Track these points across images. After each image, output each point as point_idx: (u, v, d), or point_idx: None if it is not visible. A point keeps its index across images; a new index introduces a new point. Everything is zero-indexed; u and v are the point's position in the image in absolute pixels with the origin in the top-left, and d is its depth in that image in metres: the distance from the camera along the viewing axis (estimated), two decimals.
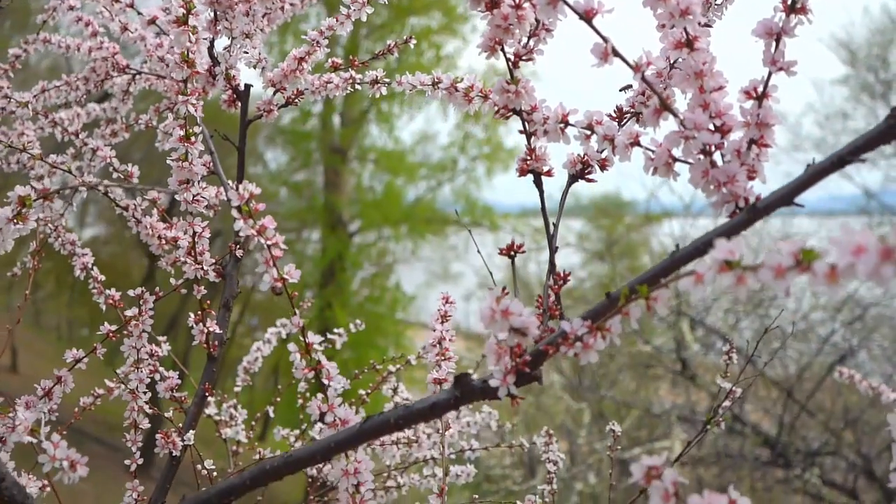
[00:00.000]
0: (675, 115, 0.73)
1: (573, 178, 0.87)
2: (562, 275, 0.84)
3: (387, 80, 1.19)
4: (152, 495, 1.11)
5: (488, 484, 6.79)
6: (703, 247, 0.63)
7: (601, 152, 0.84)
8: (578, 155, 0.86)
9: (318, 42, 1.20)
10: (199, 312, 1.16)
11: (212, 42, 1.20)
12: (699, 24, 0.74)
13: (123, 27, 1.36)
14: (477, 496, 1.53)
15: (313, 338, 0.83)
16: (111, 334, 1.13)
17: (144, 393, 1.14)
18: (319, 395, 0.83)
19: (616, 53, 0.72)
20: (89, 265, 1.31)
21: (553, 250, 0.85)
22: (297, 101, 1.24)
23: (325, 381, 0.82)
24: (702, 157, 0.71)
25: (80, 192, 1.26)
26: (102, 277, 1.31)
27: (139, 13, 1.30)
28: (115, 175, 1.31)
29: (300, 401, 1.55)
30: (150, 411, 1.14)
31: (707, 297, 7.90)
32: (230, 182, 1.30)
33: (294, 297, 0.83)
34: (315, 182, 11.91)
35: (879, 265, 0.43)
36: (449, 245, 12.24)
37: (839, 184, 9.11)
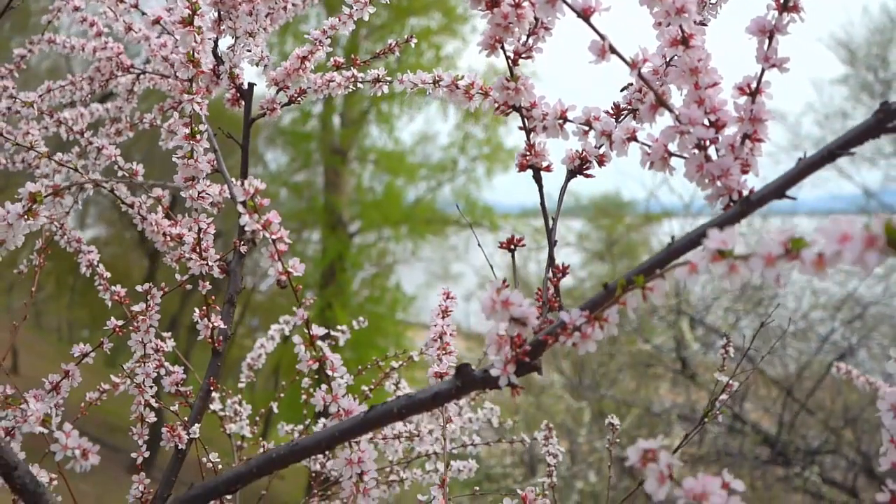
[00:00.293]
0: (671, 111, 0.75)
1: (572, 174, 0.89)
2: (560, 268, 0.86)
3: (388, 78, 1.21)
4: (158, 488, 1.13)
5: (489, 483, 6.80)
6: (697, 238, 0.65)
7: (599, 148, 0.86)
8: (577, 151, 0.88)
9: (320, 41, 1.22)
10: (204, 308, 1.18)
11: (216, 42, 1.22)
12: (694, 22, 0.76)
13: (128, 27, 1.38)
14: (478, 488, 1.54)
15: (317, 330, 0.85)
16: (118, 329, 1.15)
17: (150, 387, 1.16)
18: (323, 386, 0.85)
19: (613, 50, 0.74)
20: (94, 262, 1.33)
21: (552, 244, 0.87)
22: (299, 99, 1.26)
23: (330, 372, 0.84)
24: (697, 151, 0.73)
25: (86, 189, 1.28)
26: (108, 274, 1.33)
27: (143, 13, 1.32)
28: (119, 173, 1.33)
29: (304, 396, 1.56)
30: (156, 405, 1.15)
31: (707, 296, 7.93)
32: (233, 180, 1.32)
33: (298, 290, 0.85)
34: (315, 183, 11.94)
35: (864, 252, 0.45)
36: (449, 245, 12.27)
37: (839, 183, 9.13)
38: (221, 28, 1.19)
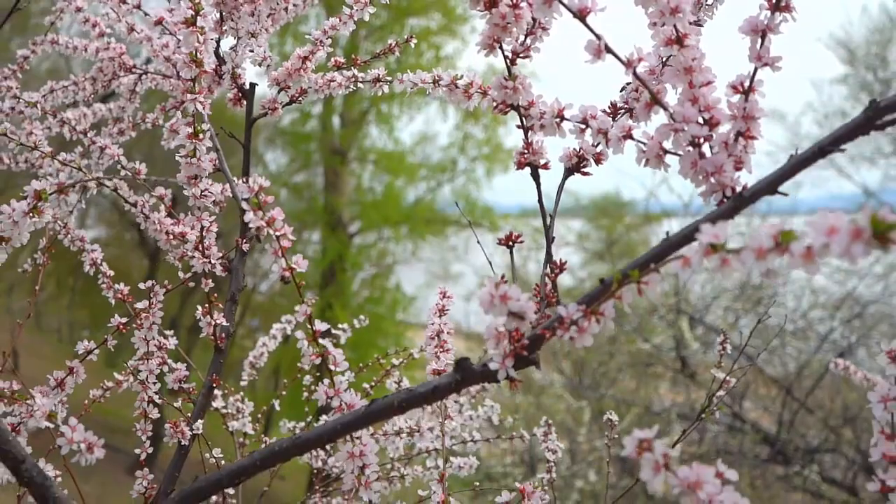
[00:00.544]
0: (666, 109, 0.77)
1: (569, 172, 0.91)
2: (558, 264, 0.88)
3: (388, 78, 1.22)
4: (161, 484, 1.14)
5: (489, 483, 6.81)
6: (691, 233, 0.66)
7: (596, 146, 0.88)
8: (574, 149, 0.89)
9: (321, 41, 1.23)
10: (207, 305, 1.19)
11: (217, 42, 1.24)
12: (689, 22, 0.77)
13: (130, 28, 1.40)
14: (478, 483, 1.56)
15: (320, 325, 0.86)
16: (121, 326, 1.16)
17: (154, 384, 1.17)
18: (326, 381, 0.86)
19: (609, 50, 0.75)
20: (98, 261, 1.34)
21: (550, 241, 0.89)
22: (300, 99, 1.27)
23: (332, 367, 0.86)
24: (691, 148, 0.74)
25: (90, 189, 1.30)
26: (111, 273, 1.34)
27: (146, 14, 1.33)
28: (123, 173, 1.35)
29: (305, 394, 1.58)
30: (159, 401, 1.17)
31: (706, 296, 7.94)
32: (235, 179, 1.33)
33: (301, 285, 0.86)
34: (315, 183, 11.95)
35: (850, 244, 0.46)
36: (449, 246, 12.28)
37: (839, 183, 9.15)
38: (223, 28, 1.21)
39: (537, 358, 0.78)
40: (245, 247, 1.20)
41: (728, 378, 1.37)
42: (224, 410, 1.55)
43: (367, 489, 0.84)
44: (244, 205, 0.83)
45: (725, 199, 0.72)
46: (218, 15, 1.18)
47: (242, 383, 1.72)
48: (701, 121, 0.75)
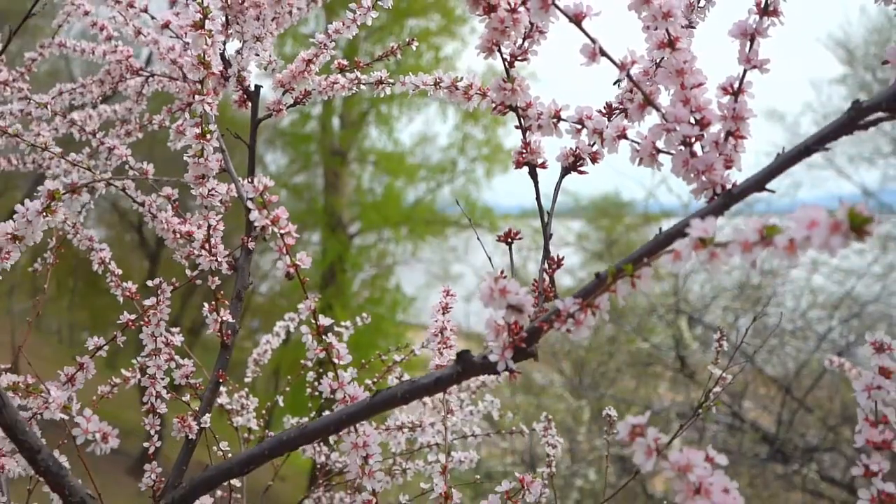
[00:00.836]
0: (658, 110, 0.80)
1: (566, 171, 0.94)
2: (555, 259, 0.91)
3: (391, 80, 1.25)
4: (169, 477, 1.17)
5: (490, 482, 6.84)
6: (682, 229, 0.69)
7: (592, 145, 0.91)
8: (570, 148, 0.92)
9: (325, 44, 1.26)
10: (213, 303, 1.22)
11: (223, 45, 1.26)
12: (681, 25, 0.80)
13: (137, 31, 1.42)
14: (478, 477, 1.58)
15: (324, 321, 0.89)
16: (130, 323, 1.19)
17: (162, 379, 1.20)
18: (330, 374, 0.89)
19: (603, 53, 0.78)
20: (107, 260, 1.37)
21: (547, 237, 0.92)
22: (304, 101, 1.30)
23: (336, 361, 0.89)
24: (683, 147, 0.77)
25: (98, 189, 1.33)
26: (119, 271, 1.37)
27: (153, 17, 1.36)
28: (130, 173, 1.37)
29: (308, 390, 1.61)
30: (167, 396, 1.20)
31: (705, 295, 7.97)
32: (240, 178, 1.36)
33: (305, 282, 0.89)
34: (315, 184, 11.98)
35: (829, 237, 0.49)
36: (449, 246, 12.31)
37: (838, 183, 9.17)
38: (229, 32, 1.24)
39: (536, 350, 0.81)
40: (251, 245, 1.23)
41: (725, 375, 1.40)
42: (228, 407, 1.57)
43: (371, 478, 0.87)
44: (250, 204, 0.86)
45: (716, 196, 0.75)
46: (224, 19, 1.21)
47: (247, 380, 1.75)
48: (692, 121, 0.78)
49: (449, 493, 1.05)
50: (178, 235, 1.28)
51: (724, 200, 0.71)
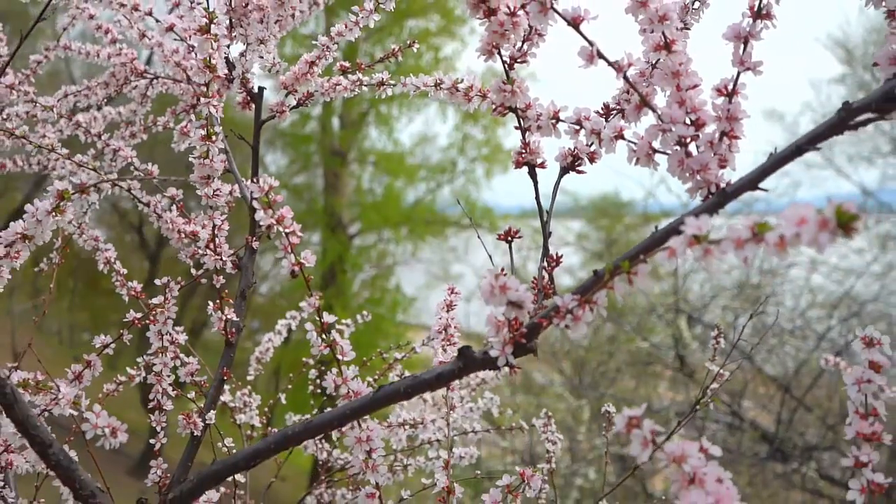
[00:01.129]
0: (654, 111, 0.82)
1: (565, 170, 0.96)
2: (554, 257, 0.92)
3: (392, 82, 1.27)
4: (175, 472, 1.19)
5: (490, 482, 6.85)
6: (677, 227, 0.71)
7: (590, 145, 0.93)
8: (569, 148, 0.94)
9: (328, 47, 1.28)
10: (218, 301, 1.24)
11: (227, 48, 1.28)
12: (676, 28, 0.82)
13: (142, 34, 1.44)
14: (479, 472, 1.61)
15: (329, 317, 0.91)
16: (136, 321, 1.21)
17: (168, 377, 1.22)
18: (334, 370, 0.91)
19: (601, 56, 0.80)
20: (112, 259, 1.39)
21: (546, 236, 0.94)
22: (307, 102, 1.32)
23: (340, 357, 0.91)
24: (678, 147, 0.79)
25: (103, 190, 1.34)
26: (124, 271, 1.39)
27: (157, 21, 1.38)
28: (135, 174, 1.39)
29: (311, 387, 1.63)
30: (173, 393, 1.21)
31: (705, 295, 7.99)
32: (243, 179, 1.38)
33: (310, 279, 0.91)
34: (315, 185, 11.99)
35: (817, 233, 0.51)
36: (449, 247, 12.32)
37: (837, 182, 9.19)
38: (233, 35, 1.25)
39: (535, 346, 0.83)
40: (255, 245, 1.25)
41: (722, 372, 1.42)
42: (232, 404, 1.59)
43: (374, 472, 0.89)
44: (256, 203, 0.87)
45: (710, 195, 0.77)
46: (227, 22, 1.23)
47: (249, 378, 1.77)
48: (688, 122, 0.80)
49: (451, 487, 1.07)
50: (183, 235, 1.30)
51: (718, 199, 0.73)
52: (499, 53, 0.91)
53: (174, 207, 1.34)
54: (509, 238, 0.98)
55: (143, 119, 1.65)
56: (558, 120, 0.93)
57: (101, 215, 12.33)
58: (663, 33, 0.80)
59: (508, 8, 0.84)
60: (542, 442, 1.55)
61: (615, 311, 7.87)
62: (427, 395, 1.69)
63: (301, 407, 1.80)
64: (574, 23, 0.79)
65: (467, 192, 11.48)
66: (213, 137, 1.06)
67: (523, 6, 0.83)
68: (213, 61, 1.04)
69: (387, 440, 1.59)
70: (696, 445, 0.65)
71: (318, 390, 1.75)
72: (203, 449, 1.30)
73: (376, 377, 1.69)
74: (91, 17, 1.53)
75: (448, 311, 1.23)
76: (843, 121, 0.69)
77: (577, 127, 0.92)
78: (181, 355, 1.28)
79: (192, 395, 1.26)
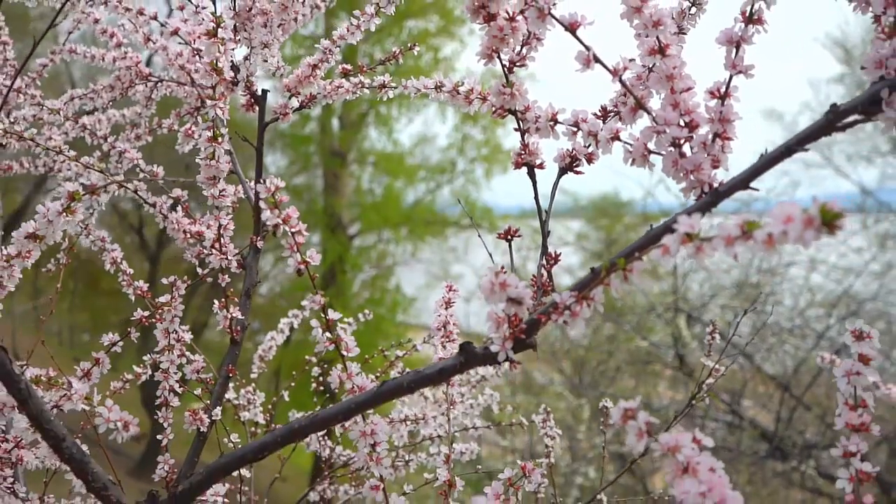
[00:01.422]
0: (649, 113, 0.84)
1: (563, 171, 0.98)
2: (553, 255, 0.95)
3: (393, 84, 1.30)
4: (181, 468, 1.21)
5: (490, 480, 6.87)
6: (671, 225, 0.74)
7: (587, 147, 0.95)
8: (567, 150, 0.97)
9: (330, 50, 1.31)
10: (224, 300, 1.26)
11: (231, 51, 1.31)
12: (671, 32, 0.84)
13: (147, 38, 1.47)
14: (479, 467, 1.63)
15: (333, 314, 0.94)
16: (144, 319, 1.23)
17: (175, 374, 1.24)
18: (339, 366, 0.93)
19: (597, 60, 0.83)
20: (119, 259, 1.42)
21: (545, 234, 0.96)
22: (309, 105, 1.35)
23: (344, 353, 0.93)
24: (672, 149, 0.82)
25: (109, 191, 1.37)
26: (131, 271, 1.42)
27: (163, 25, 1.41)
28: (141, 175, 1.42)
29: (314, 384, 1.65)
30: (180, 390, 1.24)
31: (704, 294, 8.01)
32: (247, 180, 1.41)
33: (315, 278, 0.94)
34: (314, 185, 12.01)
35: (803, 231, 0.54)
36: (448, 247, 12.35)
37: (836, 182, 9.21)
38: (237, 38, 1.28)
39: (535, 342, 0.85)
40: (259, 244, 1.27)
41: (717, 367, 1.44)
42: (236, 402, 1.62)
43: (378, 465, 0.91)
44: (262, 203, 0.90)
45: (704, 195, 0.80)
46: (232, 26, 1.25)
47: (252, 376, 1.79)
48: (681, 123, 0.82)
49: (452, 480, 1.09)
50: (189, 235, 1.33)
51: (711, 198, 0.76)
52: (498, 57, 0.93)
53: (179, 208, 1.36)
54: (509, 237, 1.00)
55: (147, 121, 1.68)
56: (556, 122, 0.95)
57: (101, 216, 12.29)
58: (657, 38, 0.83)
59: (507, 13, 0.87)
60: (542, 441, 1.57)
61: (615, 311, 7.90)
62: (428, 393, 1.72)
63: (303, 406, 1.82)
64: (571, 28, 0.82)
65: (467, 193, 11.50)
66: (220, 139, 1.09)
67: (522, 12, 0.85)
68: (220, 65, 1.07)
69: (389, 437, 1.62)
70: (689, 436, 0.67)
71: (321, 388, 1.78)
72: (205, 451, 1.33)
73: (377, 375, 1.71)
74: (96, 21, 1.55)
75: (447, 309, 1.25)
76: (832, 122, 0.72)
77: (575, 129, 0.94)
78: (187, 353, 1.31)
79: (198, 391, 1.28)
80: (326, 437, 1.78)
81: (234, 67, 1.33)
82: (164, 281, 1.21)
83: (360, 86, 1.34)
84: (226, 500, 1.27)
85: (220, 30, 1.06)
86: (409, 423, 1.49)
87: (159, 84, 1.60)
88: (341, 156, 11.37)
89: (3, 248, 1.02)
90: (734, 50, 0.81)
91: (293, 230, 0.91)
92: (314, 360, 1.76)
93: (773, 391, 7.28)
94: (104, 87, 1.60)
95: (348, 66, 1.35)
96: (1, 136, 1.35)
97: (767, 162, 0.74)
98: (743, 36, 0.81)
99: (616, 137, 0.90)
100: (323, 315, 0.94)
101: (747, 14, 0.81)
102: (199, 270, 1.27)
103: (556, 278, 0.98)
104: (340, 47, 1.33)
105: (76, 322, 14.44)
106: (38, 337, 1.59)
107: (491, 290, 0.78)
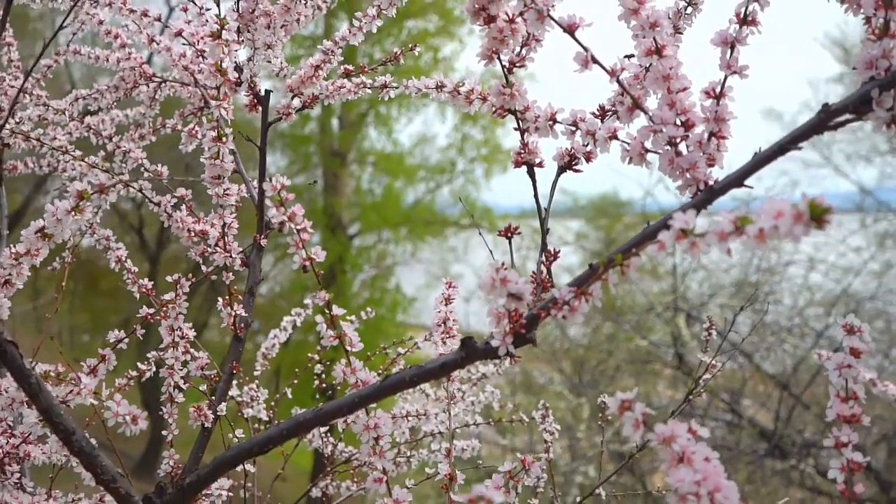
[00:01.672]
0: (646, 113, 0.86)
1: (562, 169, 1.00)
2: (552, 252, 0.97)
3: (395, 84, 1.32)
4: (186, 463, 1.23)
5: (489, 479, 6.88)
6: (666, 221, 0.75)
7: (585, 146, 0.97)
8: (566, 148, 0.99)
9: (332, 51, 1.32)
10: (228, 297, 1.28)
11: (235, 52, 1.33)
12: (667, 33, 0.86)
13: (151, 39, 1.49)
14: (480, 462, 1.65)
15: (337, 310, 0.96)
16: (149, 317, 1.25)
17: (180, 370, 1.26)
18: (343, 361, 0.95)
19: (595, 61, 0.85)
20: (123, 258, 1.44)
21: (545, 232, 0.98)
22: (312, 105, 1.37)
23: (348, 348, 0.95)
24: (669, 147, 0.84)
25: (115, 190, 1.39)
26: (135, 269, 1.44)
27: (166, 26, 1.42)
28: (145, 174, 1.44)
29: (316, 381, 1.67)
30: (185, 387, 1.26)
31: (703, 293, 8.04)
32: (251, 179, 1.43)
33: (320, 275, 0.95)
34: (314, 185, 12.03)
35: (793, 226, 0.56)
36: (448, 247, 12.36)
37: (835, 181, 9.23)
38: (240, 40, 1.30)
39: (534, 336, 0.87)
40: (263, 242, 1.29)
41: (714, 363, 1.46)
42: (239, 399, 1.64)
43: (382, 458, 0.93)
44: (268, 201, 0.92)
45: (699, 192, 0.82)
46: (235, 27, 1.27)
47: (256, 373, 1.81)
48: (678, 123, 0.84)
49: (453, 474, 1.11)
50: (193, 234, 1.35)
51: (706, 195, 0.78)
52: (498, 58, 0.95)
53: (183, 207, 1.38)
54: (509, 234, 1.02)
55: (151, 121, 1.70)
56: (555, 121, 0.97)
57: (102, 217, 12.35)
58: (654, 39, 0.85)
59: (507, 15, 0.89)
60: (542, 441, 1.59)
61: (614, 310, 7.92)
62: (429, 391, 1.74)
63: (303, 406, 1.83)
64: (569, 30, 0.84)
65: (466, 193, 11.52)
66: (224, 139, 1.11)
67: (521, 14, 0.87)
68: (224, 66, 1.09)
69: (391, 433, 1.63)
70: (685, 426, 0.69)
71: (323, 384, 1.80)
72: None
73: (379, 373, 1.73)
74: (101, 22, 1.57)
75: (447, 305, 1.27)
76: (823, 121, 0.74)
77: (574, 128, 0.96)
78: (191, 350, 1.33)
79: (203, 387, 1.30)
80: (329, 434, 1.80)
81: (238, 68, 1.35)
82: (169, 279, 1.23)
83: (361, 86, 1.36)
84: (230, 493, 1.29)
85: (224, 31, 1.08)
86: (410, 419, 1.51)
87: (163, 84, 1.62)
88: (341, 156, 11.39)
89: (11, 246, 1.03)
90: (729, 51, 0.83)
91: (299, 227, 0.93)
92: (317, 357, 1.78)
93: (773, 390, 7.30)
94: (108, 88, 1.62)
95: (350, 67, 1.37)
96: (8, 136, 1.37)
97: (761, 160, 0.76)
98: (737, 37, 0.83)
99: (614, 136, 0.92)
100: (327, 311, 0.95)
101: (741, 16, 0.83)
102: (203, 268, 1.29)
103: (555, 277, 1.00)
104: (342, 48, 1.34)
105: (76, 323, 14.45)
106: (43, 335, 1.61)
107: (492, 285, 0.80)
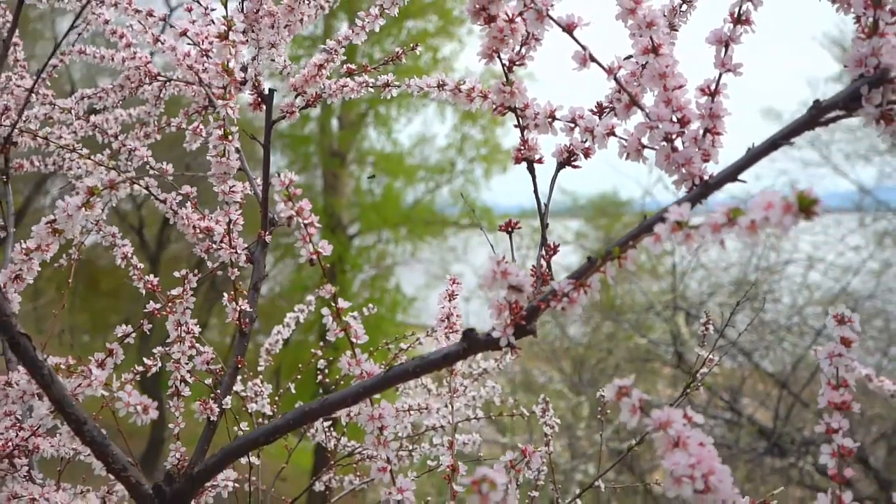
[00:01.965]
0: (643, 110, 0.89)
1: (561, 165, 1.02)
2: (552, 246, 0.99)
3: (397, 83, 1.34)
4: (193, 455, 1.26)
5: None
6: (662, 215, 0.78)
7: (584, 142, 0.99)
8: (565, 145, 1.01)
9: (335, 51, 1.35)
10: (233, 292, 1.31)
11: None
12: (663, 32, 0.89)
13: (155, 39, 1.51)
14: (482, 455, 1.67)
15: (343, 303, 0.98)
16: (156, 311, 1.27)
17: (186, 364, 1.28)
18: (348, 352, 0.97)
19: (593, 59, 0.87)
20: (129, 255, 1.46)
21: (544, 227, 1.00)
22: (315, 104, 1.39)
23: (353, 340, 0.97)
24: (665, 143, 0.86)
25: (123, 186, 1.41)
26: (141, 265, 1.46)
27: (171, 26, 1.45)
28: (151, 172, 1.46)
29: (319, 376, 1.69)
30: (191, 380, 1.28)
31: (703, 292, 8.06)
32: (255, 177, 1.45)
33: (326, 269, 0.98)
34: (314, 185, 12.05)
35: (782, 216, 0.58)
36: (448, 247, 12.39)
37: (834, 181, 9.25)
38: (245, 39, 1.32)
39: (535, 328, 0.89)
40: (267, 238, 1.31)
41: (711, 357, 1.48)
42: (243, 394, 1.66)
43: (386, 447, 0.96)
44: (276, 196, 0.94)
45: (695, 187, 0.84)
46: (241, 28, 1.30)
47: (259, 369, 1.83)
48: (674, 119, 0.86)
49: (455, 465, 1.14)
50: (198, 230, 1.37)
51: (701, 190, 0.80)
52: (498, 57, 0.97)
53: (188, 204, 1.41)
54: (510, 229, 1.05)
55: (156, 120, 1.72)
56: (554, 118, 1.00)
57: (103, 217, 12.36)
58: (651, 38, 0.87)
59: (507, 15, 0.91)
60: (542, 438, 1.61)
61: (614, 309, 7.94)
62: (431, 385, 1.76)
63: (306, 402, 1.86)
64: (568, 29, 0.86)
65: (466, 192, 11.55)
66: (230, 137, 1.13)
67: (521, 13, 0.89)
68: (230, 66, 1.11)
69: (394, 429, 1.66)
70: (680, 412, 0.71)
71: (325, 380, 1.83)
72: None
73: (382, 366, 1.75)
74: (106, 21, 1.59)
75: (450, 301, 1.29)
76: (814, 118, 0.76)
77: (572, 125, 0.99)
78: (197, 345, 1.35)
79: (208, 381, 1.32)
80: (332, 428, 1.82)
81: (243, 68, 1.38)
82: (176, 274, 1.25)
83: (364, 85, 1.38)
84: (236, 484, 1.31)
85: (230, 32, 1.10)
86: (412, 412, 1.53)
87: (168, 83, 1.64)
88: (341, 156, 11.41)
89: (21, 241, 1.06)
90: (723, 49, 0.86)
91: (306, 221, 0.96)
92: (319, 353, 1.80)
93: (772, 388, 7.33)
94: (113, 87, 1.64)
95: (353, 66, 1.39)
96: (16, 134, 1.39)
97: (754, 155, 0.78)
98: (731, 36, 0.85)
99: (611, 133, 0.94)
100: (333, 304, 0.98)
101: (736, 15, 0.85)
102: (209, 264, 1.32)
103: (555, 277, 1.02)
104: (345, 47, 1.37)
105: (76, 323, 14.48)
106: (49, 333, 1.63)
107: (493, 278, 0.82)
